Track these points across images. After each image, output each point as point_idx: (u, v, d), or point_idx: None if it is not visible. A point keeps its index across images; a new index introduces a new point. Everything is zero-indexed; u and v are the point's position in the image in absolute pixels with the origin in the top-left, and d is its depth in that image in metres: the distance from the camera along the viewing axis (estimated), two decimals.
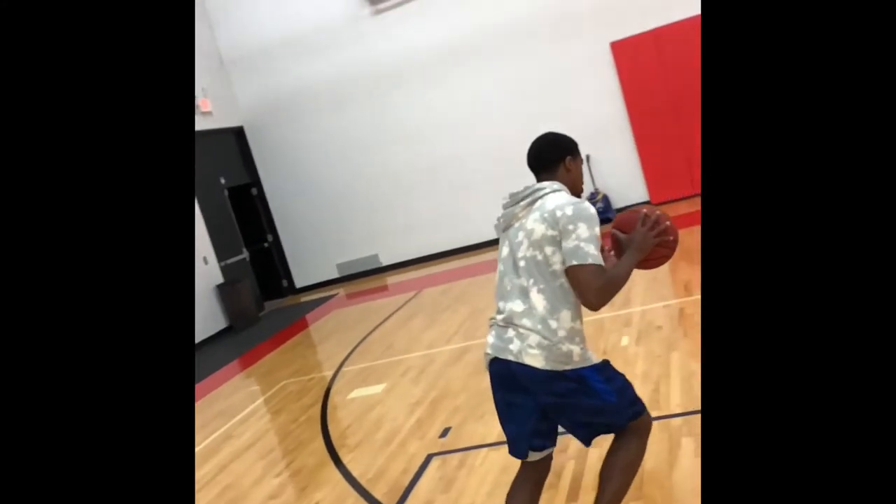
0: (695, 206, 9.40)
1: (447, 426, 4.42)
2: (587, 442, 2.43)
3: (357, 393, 5.62)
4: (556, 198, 2.29)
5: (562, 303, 2.24)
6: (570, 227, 2.20)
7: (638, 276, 6.85)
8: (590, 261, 2.16)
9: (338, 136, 11.45)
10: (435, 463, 3.98)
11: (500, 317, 2.33)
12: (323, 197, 11.72)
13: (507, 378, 2.32)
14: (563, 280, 2.24)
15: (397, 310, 8.41)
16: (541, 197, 2.32)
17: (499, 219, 2.42)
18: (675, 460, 3.26)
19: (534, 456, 2.42)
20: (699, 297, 5.49)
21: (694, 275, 6.17)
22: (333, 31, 11.09)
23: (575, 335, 2.27)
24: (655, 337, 4.94)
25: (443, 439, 4.26)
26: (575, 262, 2.18)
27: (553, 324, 2.23)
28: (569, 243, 2.20)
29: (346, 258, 11.89)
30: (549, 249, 2.23)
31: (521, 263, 2.28)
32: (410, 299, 8.84)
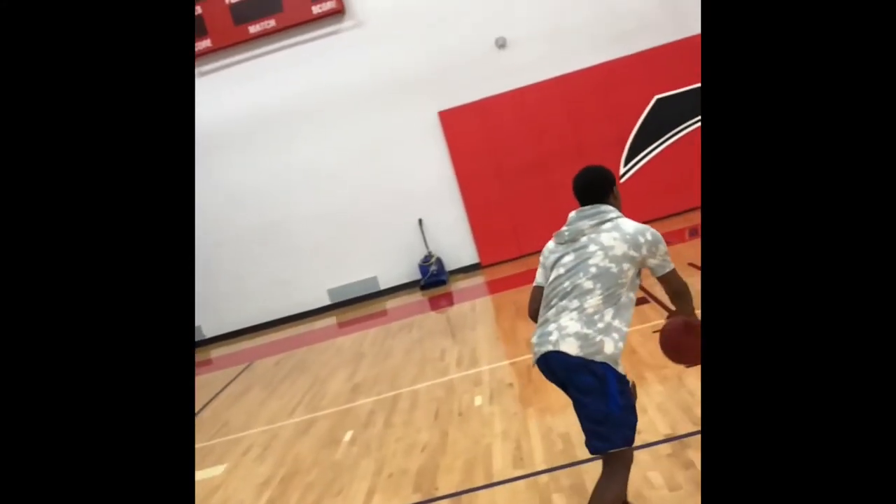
0: (521, 267, 9.80)
1: None
2: (587, 435, 2.69)
3: None
4: (627, 223, 2.71)
5: (612, 307, 2.61)
6: (652, 250, 2.66)
7: (481, 334, 6.98)
8: (672, 266, 2.71)
9: None
10: None
11: (552, 311, 2.66)
12: None
13: (548, 374, 2.70)
14: (624, 293, 2.64)
15: (228, 384, 7.85)
16: (609, 220, 2.71)
17: (564, 232, 2.75)
18: None
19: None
20: None
21: None
22: None
23: (613, 331, 2.59)
24: (508, 395, 4.96)
25: None
26: (666, 270, 2.69)
27: (595, 318, 2.58)
28: (656, 261, 2.68)
29: None
30: (625, 265, 2.63)
31: (593, 270, 2.62)
32: (242, 372, 8.30)
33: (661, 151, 10.24)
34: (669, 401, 4.06)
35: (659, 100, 10.17)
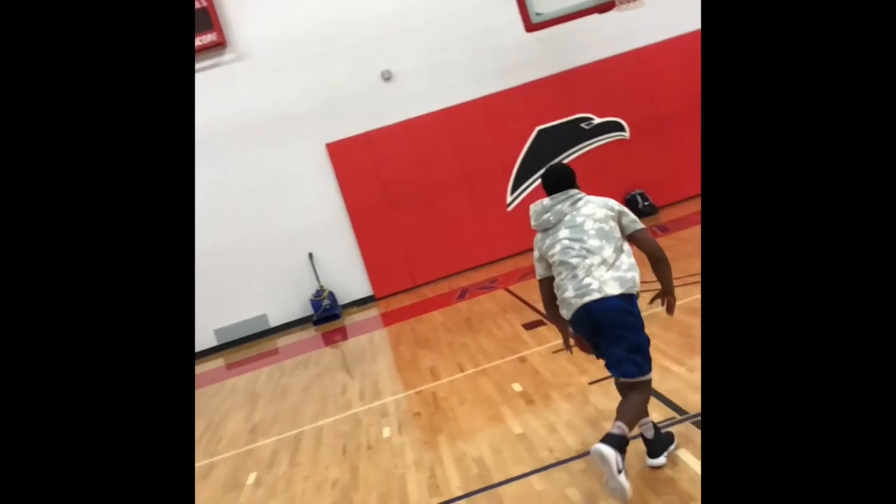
0: (415, 297, 9.81)
1: None
2: (614, 362, 3.19)
3: None
4: (595, 197, 3.33)
5: (623, 253, 3.20)
6: (622, 211, 3.28)
7: (382, 366, 6.90)
8: (643, 226, 3.31)
9: None
10: None
11: (577, 265, 3.15)
12: None
13: (586, 321, 3.16)
14: (623, 243, 3.24)
15: None
16: (580, 199, 3.30)
17: (548, 216, 3.28)
18: None
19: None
20: (449, 379, 5.64)
21: (437, 360, 6.35)
22: None
23: (634, 269, 3.19)
24: (416, 424, 4.92)
25: None
26: (637, 227, 3.27)
27: (618, 263, 3.15)
28: (627, 220, 3.27)
29: None
30: (611, 223, 3.23)
31: (592, 232, 3.19)
32: None
33: None
34: (577, 417, 4.16)
35: (540, 130, 10.57)
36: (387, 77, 10.34)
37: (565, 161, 10.60)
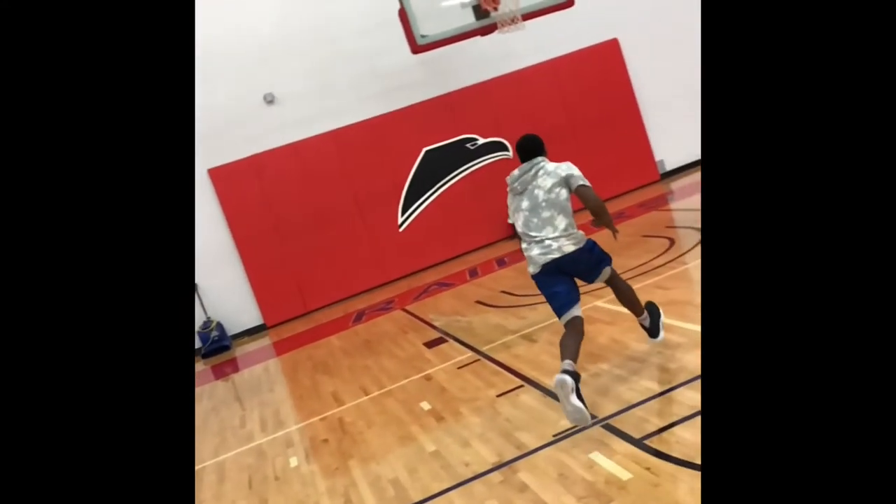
0: (309, 323, 9.60)
1: None
2: (591, 281, 4.35)
3: None
4: (550, 164, 4.22)
5: (569, 216, 4.15)
6: (569, 172, 4.17)
7: (281, 395, 6.68)
8: (586, 182, 4.16)
9: None
10: None
11: (537, 236, 4.14)
12: None
13: (554, 271, 4.13)
14: (567, 204, 4.15)
15: None
16: (540, 169, 4.22)
17: (516, 184, 4.24)
18: None
19: (568, 314, 4.14)
20: (354, 402, 5.53)
21: (339, 385, 6.22)
22: None
23: (575, 226, 4.18)
24: (325, 450, 4.78)
25: None
26: (581, 184, 4.14)
27: (569, 229, 4.13)
28: (574, 179, 4.15)
29: None
30: (557, 189, 4.14)
31: (544, 205, 4.14)
32: None
33: (435, 199, 10.72)
34: (489, 430, 4.18)
35: (427, 151, 10.69)
36: (269, 100, 10.14)
37: (454, 181, 10.78)
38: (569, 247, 4.09)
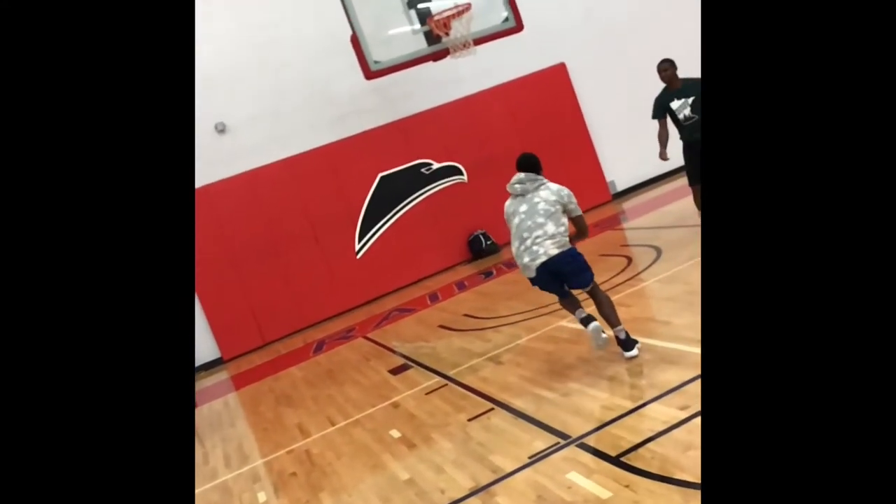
0: (269, 355, 9.42)
1: None
2: (579, 285, 4.81)
3: None
4: (552, 185, 4.81)
5: (559, 226, 4.68)
6: (568, 201, 4.76)
7: (244, 430, 6.51)
8: (580, 213, 4.84)
9: None
10: None
11: (528, 241, 4.66)
12: None
13: (546, 272, 4.66)
14: (562, 217, 4.71)
15: None
16: (543, 183, 4.81)
17: (517, 187, 4.80)
18: None
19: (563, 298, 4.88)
20: (321, 434, 5.43)
21: (304, 416, 6.10)
22: None
23: (565, 234, 4.70)
24: (294, 484, 4.66)
25: None
26: (575, 214, 4.79)
27: (557, 234, 4.65)
28: (572, 206, 4.77)
29: None
30: (557, 206, 4.71)
31: (541, 212, 4.68)
32: None
33: (392, 225, 10.70)
34: (462, 455, 4.15)
35: (383, 177, 10.68)
36: (220, 129, 10.02)
37: (410, 206, 10.79)
38: (553, 250, 4.61)
